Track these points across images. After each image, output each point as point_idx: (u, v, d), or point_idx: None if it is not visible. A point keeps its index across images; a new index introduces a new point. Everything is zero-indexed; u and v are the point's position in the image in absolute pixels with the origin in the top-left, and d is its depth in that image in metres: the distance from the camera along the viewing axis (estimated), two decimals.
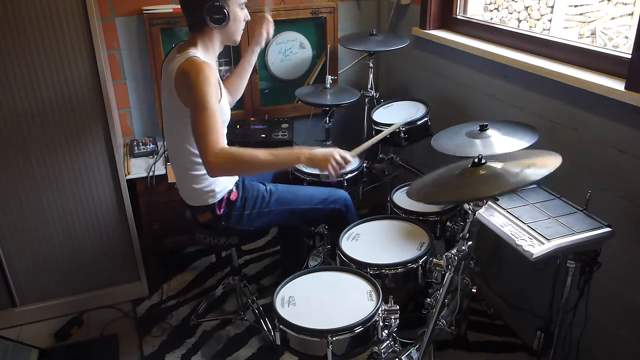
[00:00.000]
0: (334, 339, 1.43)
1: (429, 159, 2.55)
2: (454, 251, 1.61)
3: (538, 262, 1.45)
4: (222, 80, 2.14)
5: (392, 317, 1.53)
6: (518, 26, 4.78)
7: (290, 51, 2.88)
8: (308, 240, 2.64)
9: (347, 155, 1.73)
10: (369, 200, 2.91)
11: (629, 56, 1.61)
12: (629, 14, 4.64)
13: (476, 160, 1.48)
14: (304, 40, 2.88)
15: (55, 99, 2.12)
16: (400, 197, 2.17)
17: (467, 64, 2.36)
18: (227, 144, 1.69)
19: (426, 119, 2.36)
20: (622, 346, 1.79)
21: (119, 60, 2.63)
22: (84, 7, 2.03)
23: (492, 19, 4.62)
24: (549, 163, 1.39)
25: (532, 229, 1.53)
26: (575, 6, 4.76)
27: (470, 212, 1.62)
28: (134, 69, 2.68)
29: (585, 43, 1.92)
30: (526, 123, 1.88)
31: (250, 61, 2.14)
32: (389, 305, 1.54)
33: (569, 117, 1.85)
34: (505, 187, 1.39)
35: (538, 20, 4.80)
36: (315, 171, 2.23)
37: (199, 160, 1.70)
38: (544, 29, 4.65)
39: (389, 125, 2.31)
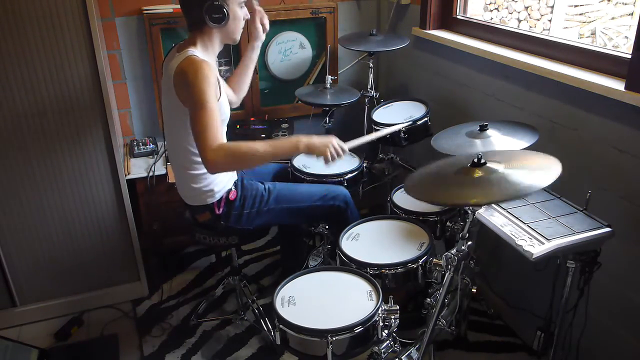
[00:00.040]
0: (334, 339, 1.43)
1: (429, 159, 2.54)
2: (453, 251, 1.61)
3: (538, 262, 1.45)
4: (225, 78, 2.14)
5: (392, 317, 1.52)
6: (518, 26, 4.78)
7: (290, 51, 2.88)
8: (308, 240, 2.64)
9: (344, 145, 1.77)
10: (369, 200, 2.91)
11: (629, 56, 1.61)
12: (629, 14, 4.64)
13: (476, 160, 1.47)
14: (304, 40, 2.88)
15: (55, 99, 2.13)
16: (400, 197, 2.16)
17: (467, 64, 2.36)
18: None
19: (426, 119, 2.35)
20: (622, 346, 1.79)
21: (119, 60, 2.63)
22: (84, 7, 2.03)
23: (492, 19, 4.62)
24: (550, 172, 1.37)
25: (532, 229, 1.53)
26: (575, 6, 4.76)
27: (470, 212, 1.61)
28: (134, 69, 2.68)
29: (585, 43, 1.92)
30: (526, 123, 1.88)
31: (252, 57, 2.14)
32: (389, 305, 1.54)
33: (569, 117, 1.85)
34: (501, 197, 1.37)
35: (538, 20, 4.80)
36: (314, 166, 2.25)
37: (198, 159, 1.71)
38: (544, 29, 4.65)
39: (389, 125, 2.32)
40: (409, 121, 2.27)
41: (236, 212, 1.94)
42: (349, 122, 3.04)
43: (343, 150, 1.76)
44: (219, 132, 1.63)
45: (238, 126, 2.71)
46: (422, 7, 2.58)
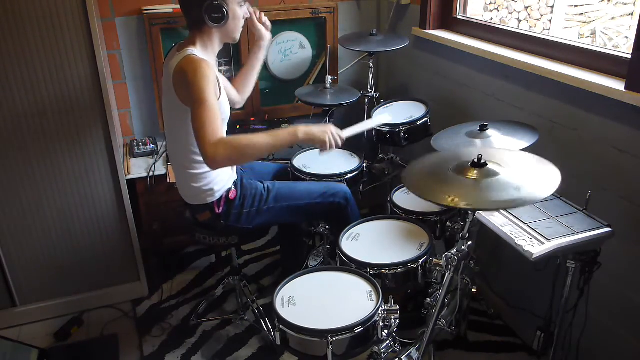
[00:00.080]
0: (334, 339, 1.43)
1: None
2: (453, 251, 1.61)
3: (538, 262, 1.45)
4: (231, 78, 2.13)
5: (392, 317, 1.52)
6: (518, 26, 4.78)
7: (290, 51, 2.88)
8: (308, 240, 2.64)
9: (341, 132, 1.80)
10: (369, 200, 2.91)
11: (629, 56, 1.61)
12: (629, 14, 4.64)
13: (475, 160, 1.46)
14: (304, 40, 2.88)
15: (55, 99, 2.13)
16: (400, 197, 2.16)
17: (467, 64, 2.36)
18: None
19: (426, 119, 2.36)
20: (622, 346, 1.79)
21: (119, 60, 2.63)
22: (84, 7, 2.03)
23: (492, 19, 4.62)
24: (547, 185, 1.35)
25: (532, 229, 1.53)
26: (575, 6, 4.76)
27: (470, 212, 1.61)
28: (134, 69, 2.68)
29: (585, 43, 1.92)
30: (526, 123, 1.89)
31: (259, 57, 2.14)
32: (389, 305, 1.54)
33: (569, 117, 1.85)
34: (497, 206, 1.37)
35: (538, 20, 4.80)
36: (314, 165, 2.25)
37: (198, 158, 1.71)
38: (544, 29, 4.65)
39: (389, 125, 2.32)
40: (409, 120, 2.28)
41: (236, 211, 1.94)
42: (349, 122, 3.00)
43: (341, 138, 1.78)
44: (218, 127, 1.61)
45: (238, 126, 2.71)
46: (422, 7, 2.58)
